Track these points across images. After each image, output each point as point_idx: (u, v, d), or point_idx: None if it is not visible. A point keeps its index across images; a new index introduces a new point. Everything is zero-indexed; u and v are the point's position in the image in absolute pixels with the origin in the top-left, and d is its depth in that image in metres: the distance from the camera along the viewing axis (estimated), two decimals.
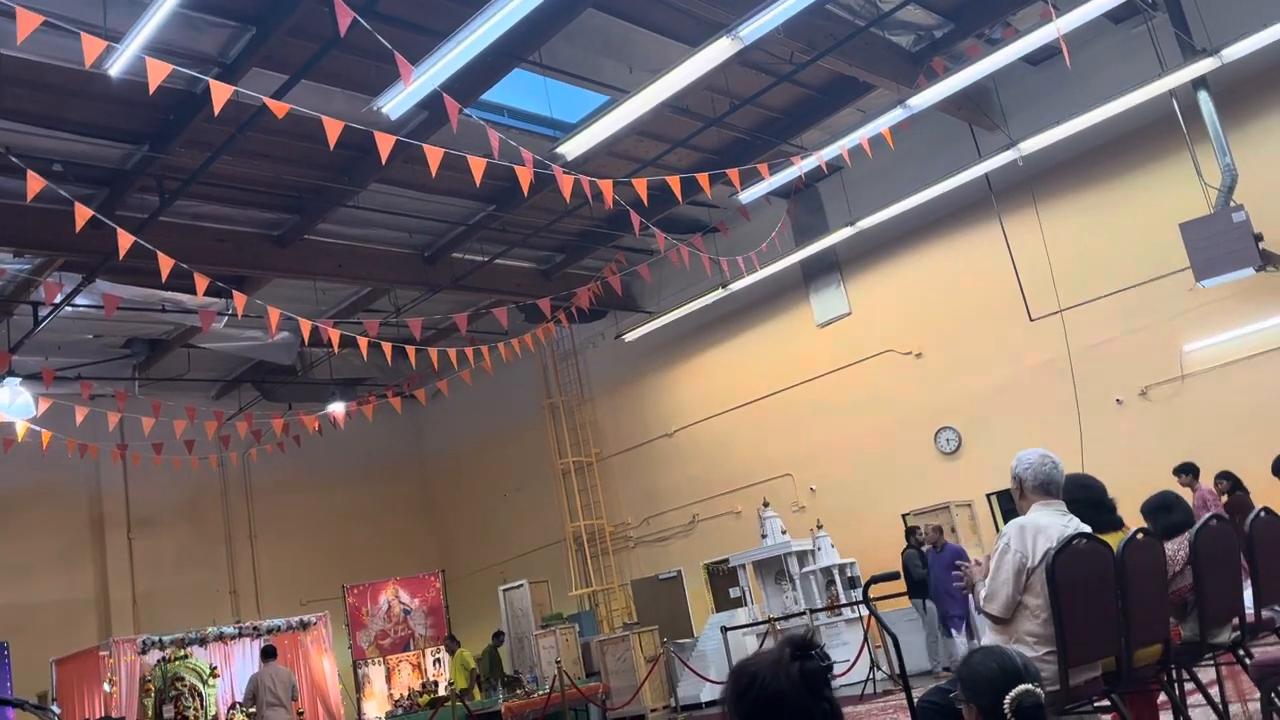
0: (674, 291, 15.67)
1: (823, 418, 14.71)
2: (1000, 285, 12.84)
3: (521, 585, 16.07)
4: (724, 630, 12.61)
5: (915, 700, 3.95)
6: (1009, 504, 10.20)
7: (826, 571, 12.97)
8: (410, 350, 12.49)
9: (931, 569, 11.31)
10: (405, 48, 7.01)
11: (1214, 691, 4.98)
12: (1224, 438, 11.04)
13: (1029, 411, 12.49)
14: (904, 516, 13.16)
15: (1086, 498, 4.38)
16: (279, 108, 6.88)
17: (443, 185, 11.77)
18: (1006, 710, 2.53)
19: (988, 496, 12.80)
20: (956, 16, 10.86)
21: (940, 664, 11.39)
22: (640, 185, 9.20)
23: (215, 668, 13.09)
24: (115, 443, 14.63)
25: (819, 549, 13.17)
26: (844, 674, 11.53)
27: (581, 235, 14.55)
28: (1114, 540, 4.08)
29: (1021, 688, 2.55)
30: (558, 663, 13.01)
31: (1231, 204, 10.29)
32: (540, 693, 13.24)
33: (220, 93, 6.65)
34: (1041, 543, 3.78)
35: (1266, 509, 5.02)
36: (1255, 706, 4.93)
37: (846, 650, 12.08)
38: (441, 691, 14.28)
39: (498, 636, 15.61)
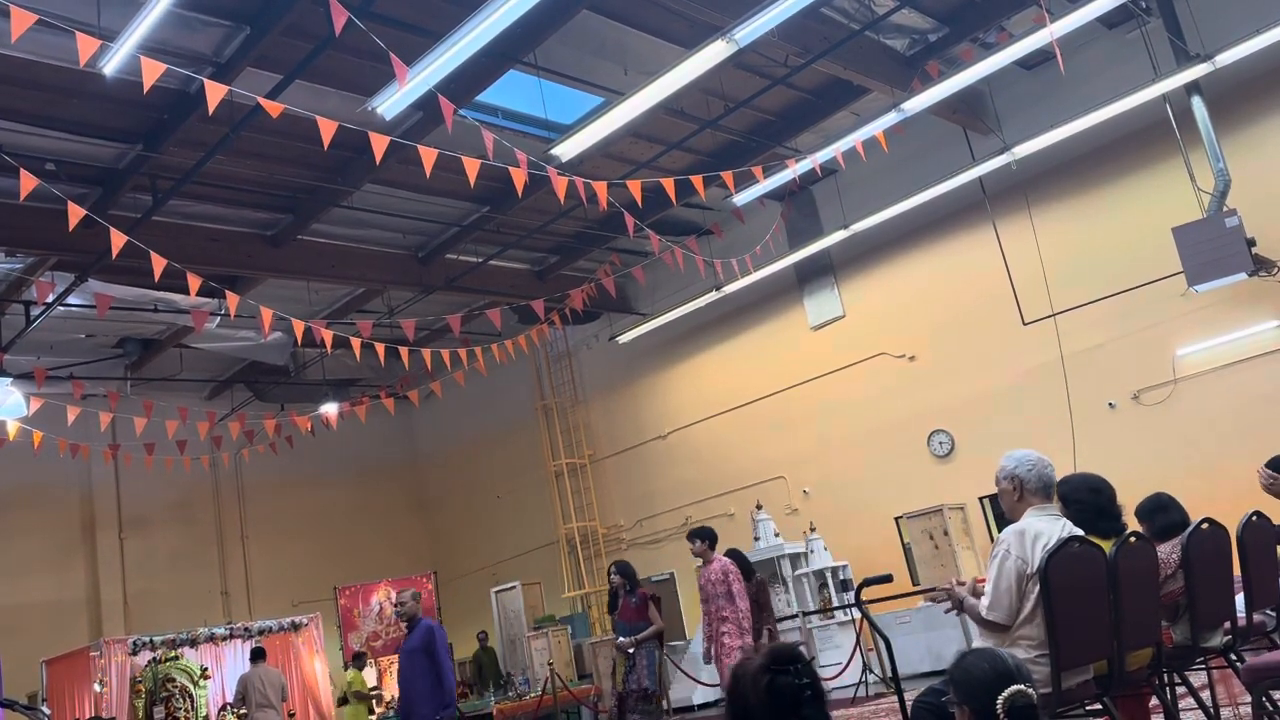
0: (668, 294, 15.68)
1: (816, 420, 14.72)
2: (993, 289, 12.86)
3: (514, 587, 16.06)
4: None
5: (908, 703, 3.95)
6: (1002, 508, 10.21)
7: (819, 574, 12.98)
8: (403, 351, 12.46)
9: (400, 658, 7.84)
10: (400, 48, 7.01)
11: (1205, 695, 5.00)
12: (1215, 442, 11.07)
13: (1022, 415, 12.51)
14: (897, 519, 13.18)
15: (1093, 501, 4.38)
16: (273, 107, 6.87)
17: (437, 186, 11.76)
18: (999, 711, 2.53)
19: (980, 500, 12.81)
20: (951, 20, 10.89)
21: None
22: (635, 187, 9.21)
23: (206, 669, 13.06)
24: (107, 443, 14.59)
25: (812, 551, 13.19)
26: (836, 677, 11.53)
27: (576, 237, 14.54)
28: (1110, 547, 4.09)
29: (1014, 688, 2.55)
30: (550, 664, 13.00)
31: (1224, 209, 10.31)
32: (532, 694, 13.24)
33: (214, 92, 6.64)
34: (1040, 548, 3.77)
35: (1258, 513, 5.03)
36: (1246, 710, 4.94)
37: (839, 653, 12.10)
38: None
39: (482, 636, 15.64)
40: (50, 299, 11.55)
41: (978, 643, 3.97)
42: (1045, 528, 3.85)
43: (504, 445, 18.96)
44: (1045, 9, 8.96)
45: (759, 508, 13.90)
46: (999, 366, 12.93)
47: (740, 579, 8.73)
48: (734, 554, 9.45)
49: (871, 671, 11.54)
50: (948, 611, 4.24)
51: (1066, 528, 3.91)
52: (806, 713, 2.15)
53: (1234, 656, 4.83)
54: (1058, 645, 3.69)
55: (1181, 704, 5.19)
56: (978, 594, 4.08)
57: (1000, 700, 2.53)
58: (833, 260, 14.56)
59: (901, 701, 4.16)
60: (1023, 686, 2.55)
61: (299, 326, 10.55)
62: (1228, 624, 4.80)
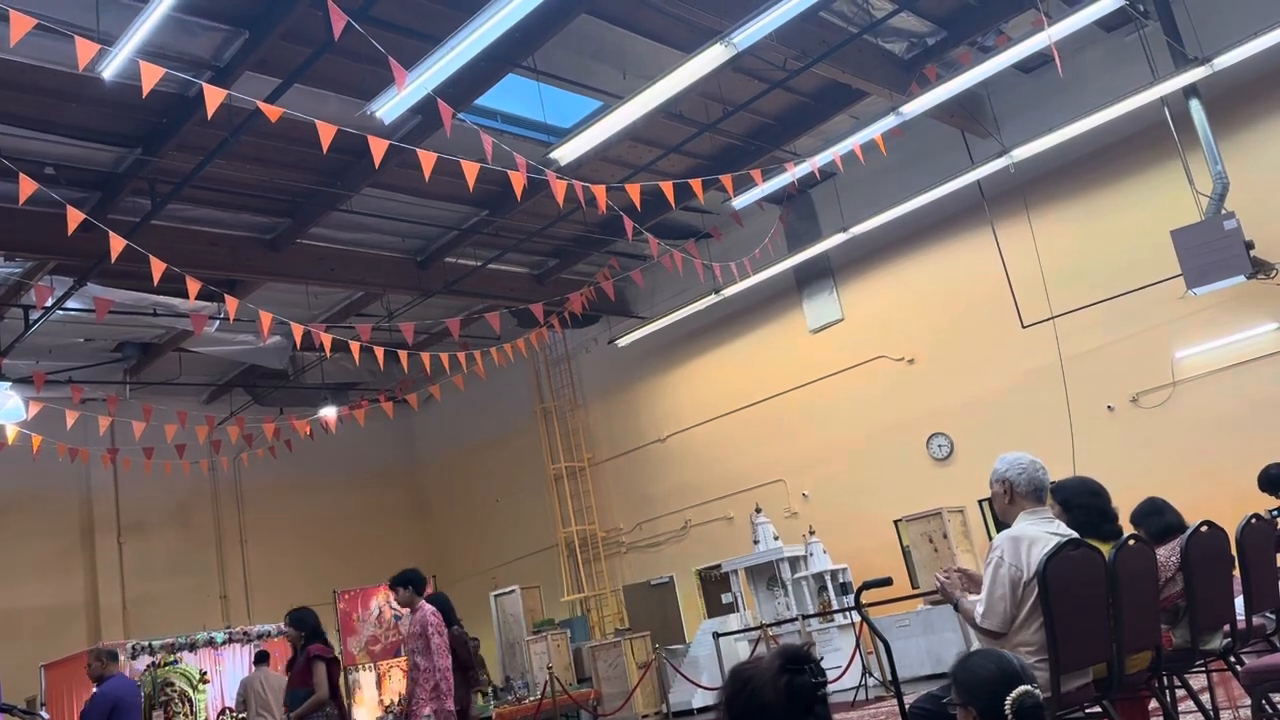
0: (667, 297, 15.68)
1: (815, 424, 14.72)
2: (992, 292, 12.87)
3: (513, 591, 16.03)
4: (716, 636, 12.60)
5: (907, 706, 3.95)
6: None
7: (819, 577, 12.97)
8: (402, 355, 12.46)
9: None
10: (399, 52, 7.01)
11: (1205, 698, 4.99)
12: (1214, 445, 11.08)
13: (1021, 418, 12.52)
14: (896, 523, 13.16)
15: (1094, 504, 4.37)
16: (272, 111, 6.87)
17: (436, 190, 11.76)
18: (1007, 711, 2.53)
19: (980, 503, 12.80)
20: (949, 24, 10.90)
21: None
22: (633, 191, 9.22)
23: (205, 673, 13.04)
24: (106, 447, 14.57)
25: (811, 555, 13.19)
26: (836, 680, 11.52)
27: (575, 240, 14.55)
28: (1109, 550, 4.08)
29: (1022, 689, 2.55)
30: (549, 668, 12.98)
31: (1223, 211, 10.33)
32: (531, 699, 13.22)
33: (213, 96, 6.65)
34: (1036, 554, 3.76)
35: (1257, 515, 5.04)
36: (1246, 713, 4.94)
37: (839, 656, 12.10)
38: None
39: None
40: (49, 303, 11.54)
41: (977, 645, 3.97)
42: (1038, 534, 3.83)
43: (503, 449, 18.96)
44: (1043, 12, 8.97)
45: (758, 511, 13.89)
46: (998, 369, 12.93)
47: (442, 631, 7.78)
48: (437, 599, 8.50)
49: (871, 675, 11.54)
50: (936, 589, 4.21)
51: (1061, 530, 3.90)
52: (819, 710, 2.19)
53: (1234, 659, 4.83)
54: (1057, 648, 3.69)
55: (1181, 707, 5.19)
56: (976, 580, 4.07)
57: (1009, 701, 2.54)
58: (831, 263, 14.57)
59: (901, 704, 4.16)
60: (1030, 687, 2.56)
61: (298, 330, 10.55)
62: (1227, 627, 4.80)
